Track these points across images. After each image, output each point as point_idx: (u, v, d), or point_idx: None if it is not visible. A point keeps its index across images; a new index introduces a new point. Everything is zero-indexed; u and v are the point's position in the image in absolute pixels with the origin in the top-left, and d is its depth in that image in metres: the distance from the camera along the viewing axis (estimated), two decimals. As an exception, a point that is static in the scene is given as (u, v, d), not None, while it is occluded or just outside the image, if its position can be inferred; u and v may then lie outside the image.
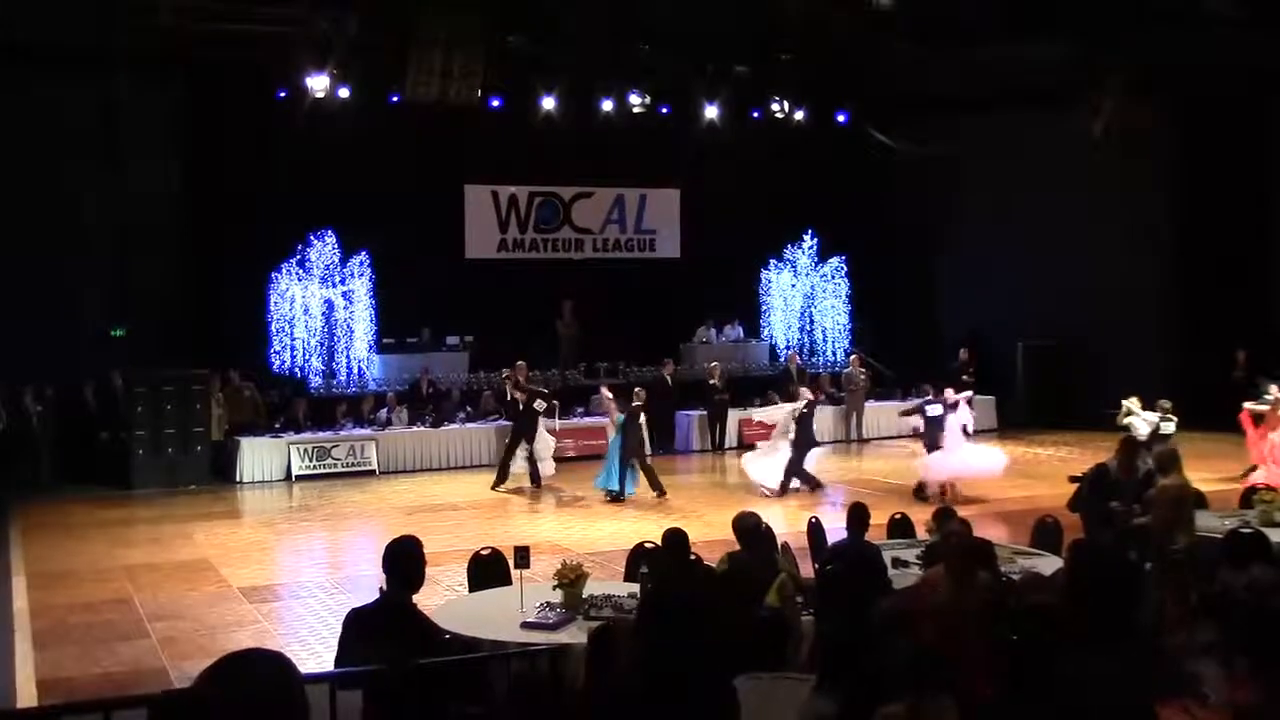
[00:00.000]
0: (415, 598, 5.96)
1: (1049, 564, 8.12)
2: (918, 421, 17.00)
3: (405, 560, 5.87)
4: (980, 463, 16.10)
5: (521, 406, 17.55)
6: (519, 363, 18.63)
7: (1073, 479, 12.89)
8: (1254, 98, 22.13)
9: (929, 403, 16.69)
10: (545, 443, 17.64)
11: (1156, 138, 22.26)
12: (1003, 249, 23.66)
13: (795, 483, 16.60)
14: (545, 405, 17.48)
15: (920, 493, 16.00)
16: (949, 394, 16.66)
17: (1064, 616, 3.40)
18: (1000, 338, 22.99)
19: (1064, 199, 22.50)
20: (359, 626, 5.80)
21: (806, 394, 17.39)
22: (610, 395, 17.68)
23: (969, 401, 16.84)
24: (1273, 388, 16.69)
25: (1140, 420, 16.04)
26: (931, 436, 16.42)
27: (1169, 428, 15.95)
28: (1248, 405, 16.98)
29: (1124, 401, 16.54)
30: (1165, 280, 22.84)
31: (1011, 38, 21.28)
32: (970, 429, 16.66)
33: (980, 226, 24.09)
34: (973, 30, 21.45)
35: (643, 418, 17.07)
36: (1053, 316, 22.52)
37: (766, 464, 16.66)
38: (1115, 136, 20.82)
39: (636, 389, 17.45)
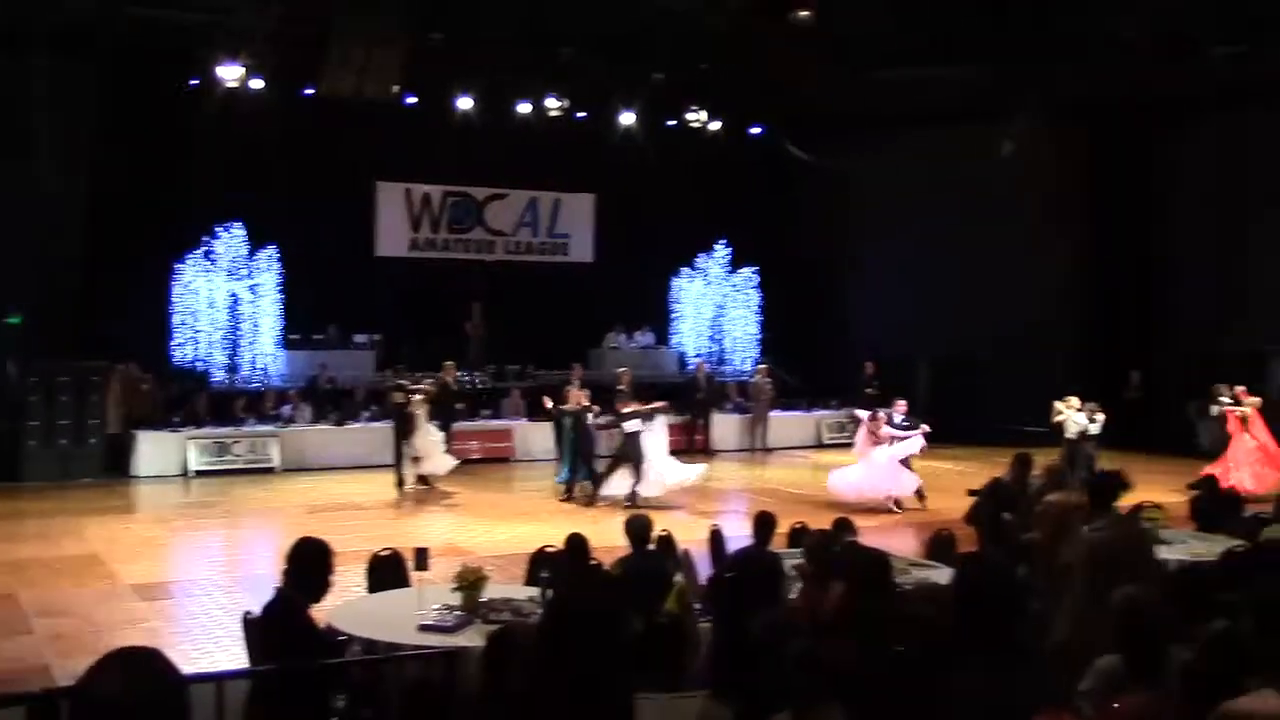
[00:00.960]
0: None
1: (943, 575, 8.27)
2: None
3: (310, 563, 5.78)
4: (888, 484, 16.21)
5: (402, 407, 17.22)
6: (447, 363, 18.74)
7: (971, 493, 13.16)
8: (1150, 123, 22.81)
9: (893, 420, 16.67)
10: (430, 440, 17.21)
11: (1061, 158, 22.83)
12: (910, 265, 24.06)
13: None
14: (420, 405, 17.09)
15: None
16: (900, 408, 16.72)
17: (948, 628, 3.48)
18: (905, 352, 23.35)
19: (970, 217, 22.96)
20: (250, 629, 5.73)
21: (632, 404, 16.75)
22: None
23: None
24: (1222, 387, 17.27)
25: (1072, 419, 16.46)
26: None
27: (1095, 428, 16.42)
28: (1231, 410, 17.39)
29: (1057, 403, 16.91)
30: (1063, 299, 23.41)
31: (926, 60, 21.68)
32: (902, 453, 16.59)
33: (889, 242, 24.47)
34: (889, 51, 21.82)
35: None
36: (956, 332, 22.95)
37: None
38: (1020, 158, 21.28)
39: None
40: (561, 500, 16.38)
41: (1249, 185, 21.72)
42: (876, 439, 16.27)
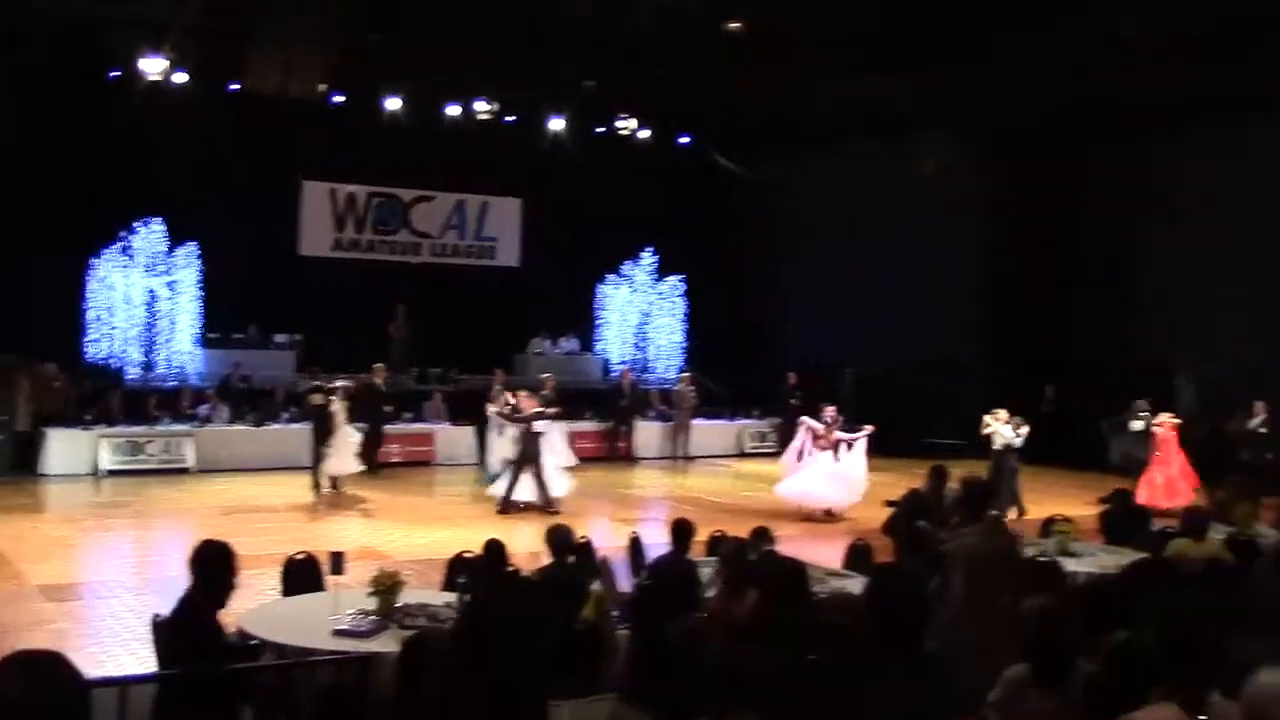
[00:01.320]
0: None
1: (859, 585, 8.36)
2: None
3: (212, 567, 5.69)
4: (826, 495, 16.30)
5: (322, 409, 16.96)
6: (377, 365, 18.79)
7: (888, 504, 13.32)
8: (1074, 141, 23.33)
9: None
10: (346, 441, 16.88)
11: (980, 177, 23.24)
12: (834, 276, 24.32)
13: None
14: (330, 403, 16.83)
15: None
16: (829, 413, 16.86)
17: (861, 637, 3.53)
18: (829, 363, 23.58)
19: (894, 230, 23.27)
20: (158, 632, 5.64)
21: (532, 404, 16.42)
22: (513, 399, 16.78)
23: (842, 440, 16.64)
24: (1142, 403, 17.58)
25: (1000, 432, 16.71)
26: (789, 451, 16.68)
27: (1019, 441, 16.69)
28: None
29: (986, 416, 17.14)
30: (980, 314, 23.80)
31: (853, 72, 21.93)
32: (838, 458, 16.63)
33: (814, 253, 24.70)
34: (818, 62, 22.04)
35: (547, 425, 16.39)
36: (878, 345, 23.22)
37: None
38: (945, 173, 21.62)
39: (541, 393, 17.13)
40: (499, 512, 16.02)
41: (1154, 205, 22.26)
42: (825, 445, 16.39)
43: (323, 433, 16.80)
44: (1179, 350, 21.73)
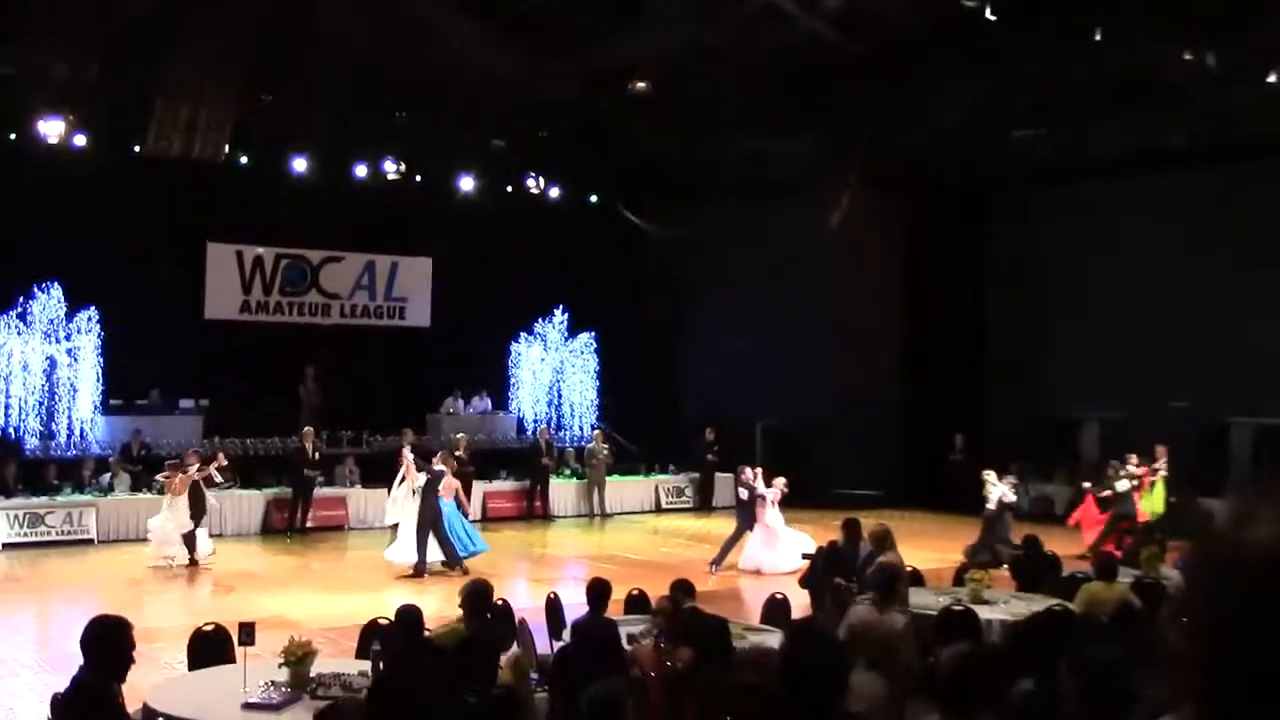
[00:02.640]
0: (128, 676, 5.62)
1: (777, 640, 8.37)
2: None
3: (105, 643, 5.52)
4: (782, 560, 16.17)
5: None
6: (306, 429, 19.09)
7: (804, 556, 13.40)
8: (973, 195, 23.96)
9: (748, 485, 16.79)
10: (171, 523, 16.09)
11: (885, 230, 23.71)
12: (744, 332, 24.54)
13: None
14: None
15: (714, 565, 16.27)
16: (747, 474, 16.88)
17: (778, 696, 3.52)
18: (740, 417, 23.74)
19: (800, 285, 23.60)
20: (55, 712, 5.45)
21: (439, 464, 16.16)
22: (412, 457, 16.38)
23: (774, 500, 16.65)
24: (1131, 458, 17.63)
25: (996, 490, 16.77)
26: (743, 518, 16.63)
27: (1012, 497, 16.79)
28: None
29: (986, 473, 17.20)
30: (892, 365, 24.17)
31: (757, 131, 22.35)
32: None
33: (723, 309, 24.95)
34: (721, 122, 22.43)
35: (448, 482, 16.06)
36: (790, 399, 23.44)
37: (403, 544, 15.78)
38: (851, 229, 22.01)
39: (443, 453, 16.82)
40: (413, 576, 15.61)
41: (1060, 258, 22.89)
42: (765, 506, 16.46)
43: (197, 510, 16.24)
44: (1082, 399, 22.26)
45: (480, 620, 7.59)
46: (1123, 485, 17.30)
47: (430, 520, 15.50)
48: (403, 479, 15.92)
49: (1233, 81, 18.27)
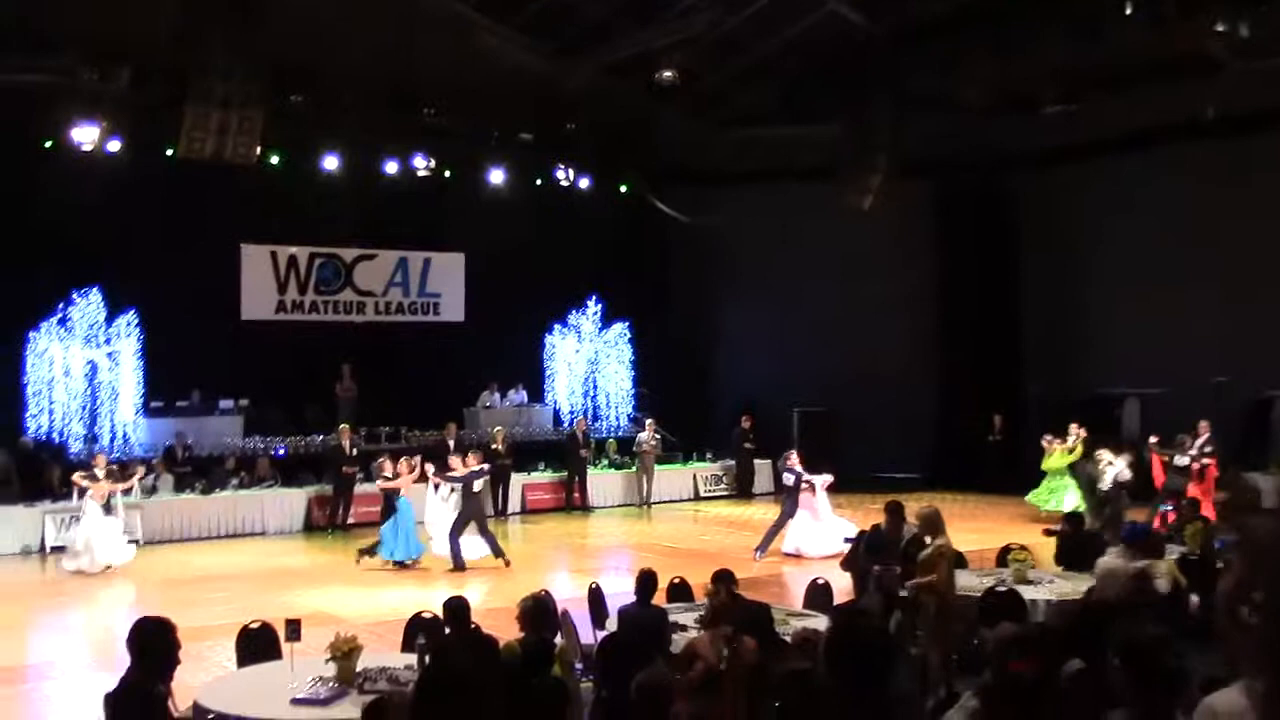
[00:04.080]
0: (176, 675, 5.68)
1: (822, 624, 8.36)
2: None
3: (151, 644, 5.58)
4: (826, 544, 16.20)
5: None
6: (343, 425, 19.41)
7: (847, 540, 13.36)
8: (1002, 175, 23.78)
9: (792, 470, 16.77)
10: (95, 530, 16.02)
11: (915, 213, 23.57)
12: (777, 317, 24.51)
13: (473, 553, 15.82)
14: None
15: (760, 550, 16.20)
16: (792, 459, 16.86)
17: (823, 680, 3.51)
18: (775, 404, 23.71)
19: (831, 270, 23.51)
20: (105, 711, 5.52)
21: (474, 462, 16.35)
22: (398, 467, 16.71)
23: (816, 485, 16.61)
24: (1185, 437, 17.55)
25: (1111, 468, 16.59)
26: (789, 505, 16.60)
27: (1128, 474, 16.54)
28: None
29: (1100, 454, 17.05)
30: (927, 348, 24.06)
31: (784, 118, 22.28)
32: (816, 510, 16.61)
33: (755, 295, 24.91)
34: (749, 109, 22.38)
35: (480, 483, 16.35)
36: (824, 383, 23.39)
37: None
38: (880, 212, 21.90)
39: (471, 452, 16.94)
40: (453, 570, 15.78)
41: (1093, 235, 22.68)
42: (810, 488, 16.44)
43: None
44: (1122, 376, 22.07)
45: (539, 634, 7.56)
46: (1182, 460, 17.16)
47: (470, 517, 15.64)
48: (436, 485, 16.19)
49: (1265, 51, 18.04)
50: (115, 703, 5.64)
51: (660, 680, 4.61)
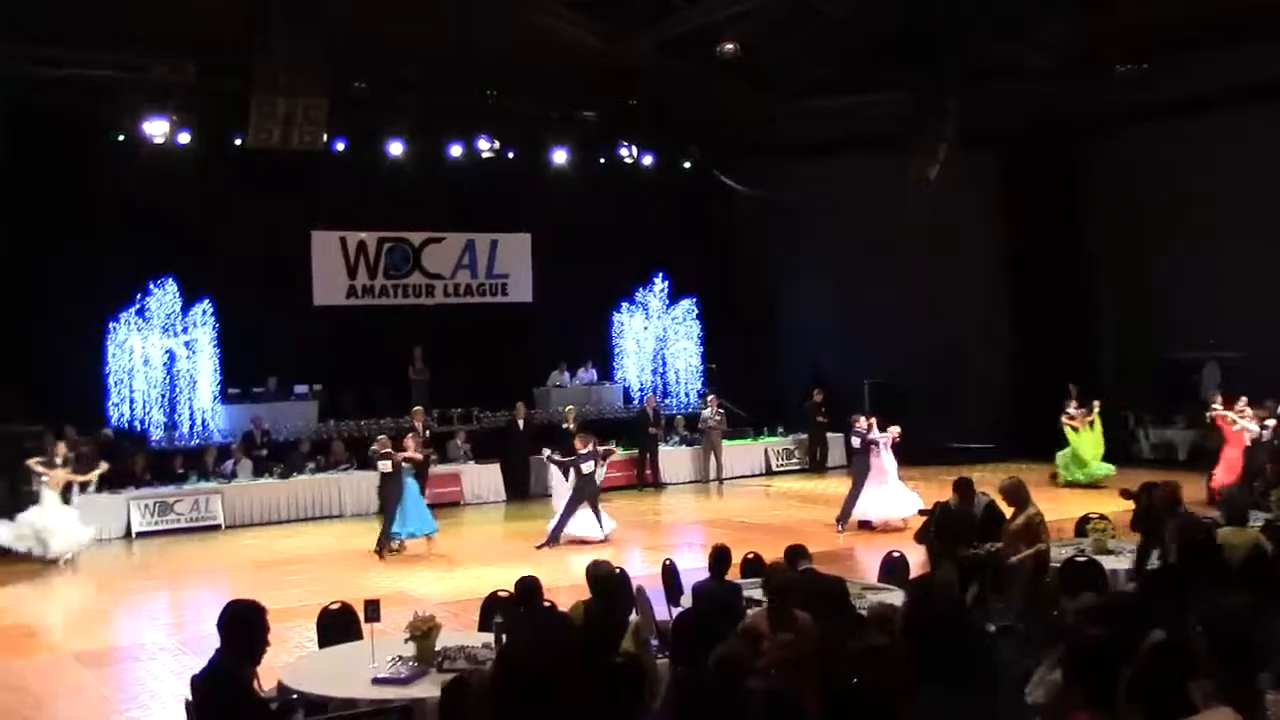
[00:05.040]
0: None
1: (897, 598, 8.31)
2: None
3: (242, 627, 5.66)
4: (898, 508, 16.22)
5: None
6: (416, 408, 19.38)
7: (921, 512, 13.25)
8: (1071, 140, 23.33)
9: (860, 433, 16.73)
10: (51, 517, 15.95)
11: (983, 180, 23.20)
12: (845, 289, 24.30)
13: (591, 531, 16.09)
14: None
15: (841, 522, 16.27)
16: (860, 422, 16.83)
17: (901, 655, 3.49)
18: (845, 376, 23.54)
19: (899, 240, 23.23)
20: (193, 692, 5.63)
21: (588, 450, 16.47)
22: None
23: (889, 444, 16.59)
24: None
25: (1247, 427, 16.63)
26: (859, 468, 16.60)
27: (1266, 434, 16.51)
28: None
29: (1230, 413, 17.12)
30: (998, 316, 23.72)
31: (847, 88, 22.01)
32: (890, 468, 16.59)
33: (822, 268, 24.70)
34: (811, 80, 22.14)
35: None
36: (895, 355, 23.16)
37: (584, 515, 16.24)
38: (948, 181, 21.58)
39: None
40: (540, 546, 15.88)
41: (1166, 198, 22.18)
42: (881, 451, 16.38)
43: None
44: (1200, 340, 21.61)
45: (604, 602, 7.62)
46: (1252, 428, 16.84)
47: (586, 496, 16.03)
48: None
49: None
50: (203, 685, 5.75)
51: (739, 655, 4.61)
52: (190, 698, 6.13)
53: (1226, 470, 16.79)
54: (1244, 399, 17.31)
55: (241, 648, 5.62)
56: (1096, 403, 19.48)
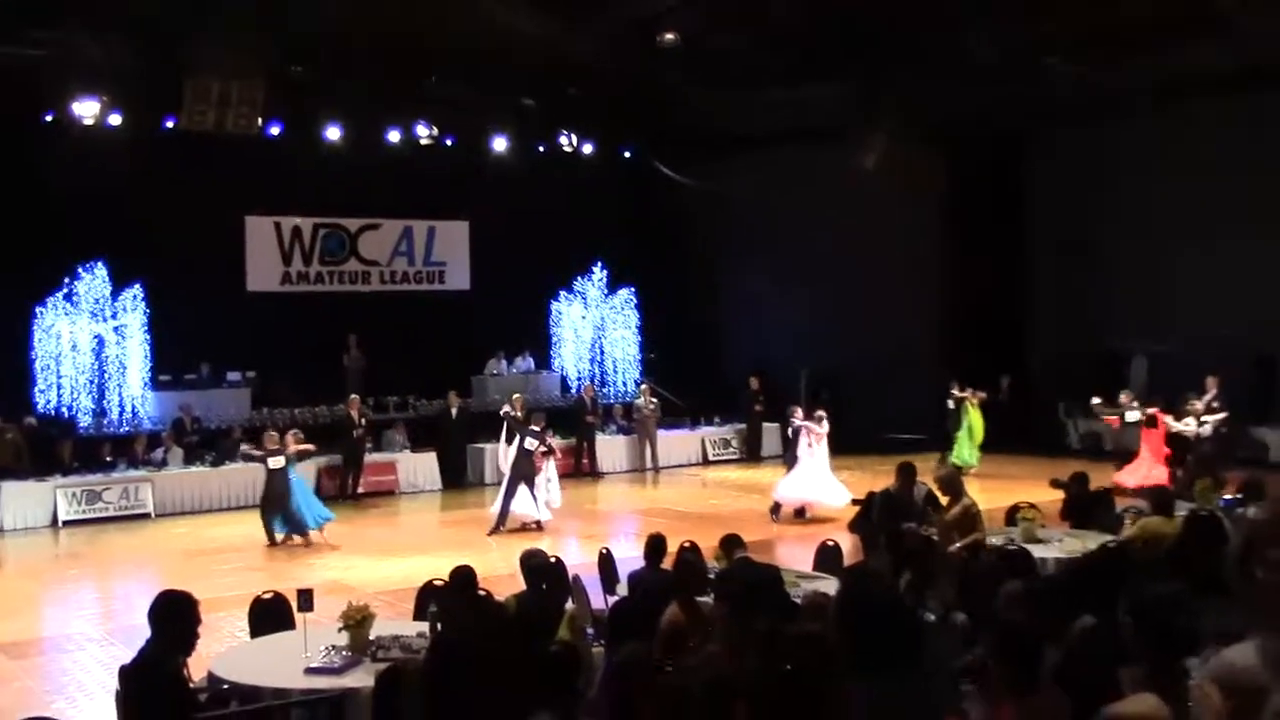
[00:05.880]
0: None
1: (832, 586, 8.37)
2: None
3: (173, 618, 5.59)
4: (826, 495, 16.35)
5: None
6: (353, 396, 19.38)
7: (855, 501, 13.38)
8: (1012, 135, 23.62)
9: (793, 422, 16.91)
10: None
11: (924, 174, 23.41)
12: (783, 281, 24.40)
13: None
14: None
15: (774, 512, 16.35)
16: (797, 413, 16.97)
17: (835, 643, 3.51)
18: (784, 366, 23.66)
19: (839, 232, 23.39)
20: (121, 684, 5.55)
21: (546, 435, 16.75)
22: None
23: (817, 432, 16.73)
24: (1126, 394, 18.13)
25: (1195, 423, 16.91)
26: (789, 457, 16.74)
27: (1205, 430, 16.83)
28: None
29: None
30: (933, 308, 23.97)
31: (790, 80, 22.08)
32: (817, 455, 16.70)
33: (762, 259, 24.79)
34: (753, 71, 22.18)
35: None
36: (833, 345, 23.33)
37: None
38: (887, 173, 21.76)
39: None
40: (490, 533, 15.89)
41: (1102, 194, 22.56)
42: (814, 440, 16.48)
43: None
44: (1130, 334, 22.00)
45: (537, 591, 7.62)
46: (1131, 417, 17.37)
47: (523, 474, 15.96)
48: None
49: (1274, 5, 17.84)
50: (132, 675, 5.67)
51: (637, 655, 4.62)
52: (119, 689, 6.03)
53: (1131, 471, 17.05)
54: (1125, 393, 18.02)
55: (172, 638, 5.55)
56: (1213, 382, 18.48)
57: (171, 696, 5.50)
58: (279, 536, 15.62)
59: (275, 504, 15.66)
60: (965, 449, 20.22)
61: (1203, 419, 16.90)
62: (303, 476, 16.30)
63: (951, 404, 20.60)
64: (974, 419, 20.34)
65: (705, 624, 6.90)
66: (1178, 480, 13.67)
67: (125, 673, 5.72)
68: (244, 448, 17.05)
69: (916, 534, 9.68)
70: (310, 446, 16.57)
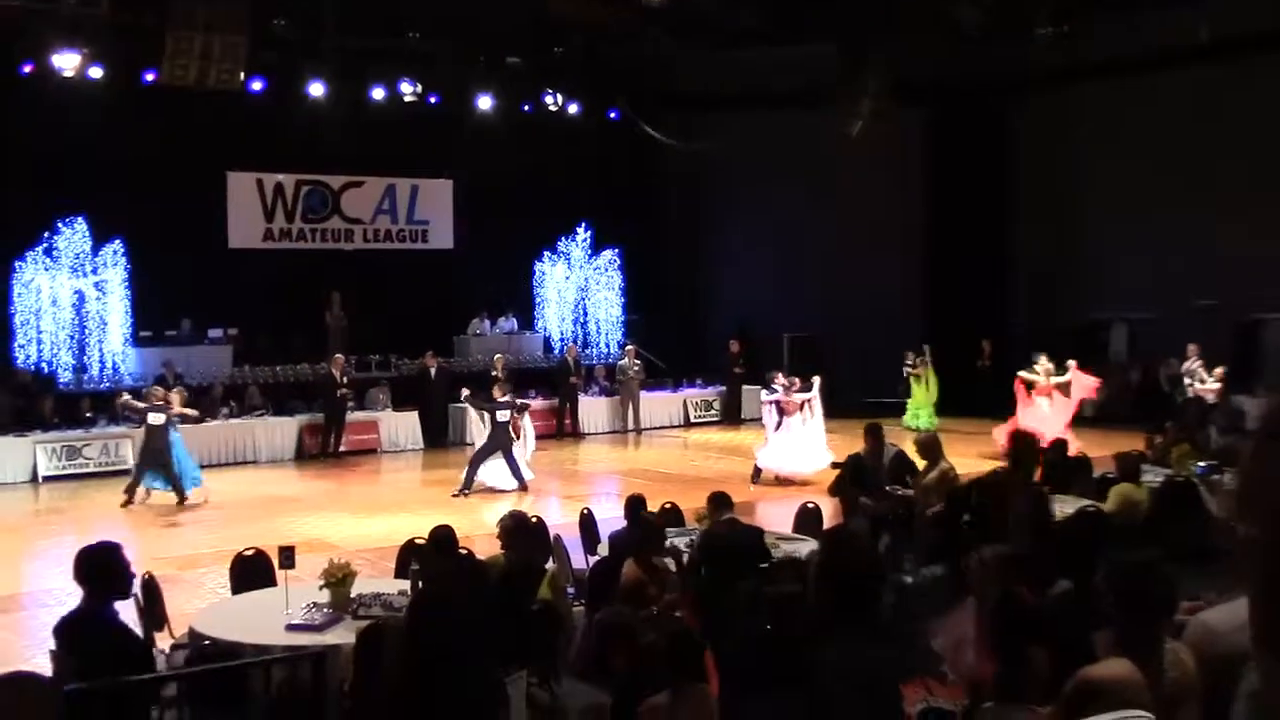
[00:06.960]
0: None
1: (809, 548, 8.43)
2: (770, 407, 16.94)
3: (100, 570, 5.61)
4: (801, 464, 16.41)
5: None
6: (337, 355, 19.46)
7: (834, 465, 13.46)
8: (995, 101, 23.59)
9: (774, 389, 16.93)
10: None
11: (906, 138, 23.41)
12: (766, 243, 24.42)
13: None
14: None
15: (755, 477, 16.39)
16: (778, 378, 16.98)
17: (813, 604, 3.55)
18: (766, 329, 23.71)
19: (822, 195, 23.39)
20: (59, 637, 5.58)
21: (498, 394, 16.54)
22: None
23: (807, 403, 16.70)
24: (1042, 358, 17.97)
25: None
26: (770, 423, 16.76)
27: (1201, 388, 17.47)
28: (1020, 374, 18.19)
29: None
30: (915, 273, 24.04)
31: (774, 40, 22.00)
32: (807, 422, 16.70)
33: (745, 221, 24.79)
34: (738, 32, 22.09)
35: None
36: (816, 308, 23.38)
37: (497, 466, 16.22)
38: (873, 137, 21.73)
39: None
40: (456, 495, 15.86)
41: (1084, 158, 22.59)
42: (793, 410, 16.48)
43: None
44: (1111, 300, 22.10)
45: (517, 552, 7.64)
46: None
47: (499, 445, 15.90)
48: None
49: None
50: (65, 630, 5.68)
51: (620, 617, 4.66)
52: (55, 646, 6.00)
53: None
54: (1073, 361, 18.10)
55: (104, 589, 5.58)
56: (1193, 349, 18.98)
57: (118, 644, 5.53)
58: (142, 493, 15.49)
59: (153, 459, 15.52)
60: (922, 415, 20.96)
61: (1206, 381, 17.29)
62: (179, 435, 16.02)
63: (905, 373, 21.50)
64: (929, 382, 21.09)
65: (662, 579, 7.00)
66: (1155, 446, 13.75)
67: (62, 626, 5.72)
68: (126, 397, 16.70)
69: (895, 497, 9.75)
70: (193, 412, 16.45)
